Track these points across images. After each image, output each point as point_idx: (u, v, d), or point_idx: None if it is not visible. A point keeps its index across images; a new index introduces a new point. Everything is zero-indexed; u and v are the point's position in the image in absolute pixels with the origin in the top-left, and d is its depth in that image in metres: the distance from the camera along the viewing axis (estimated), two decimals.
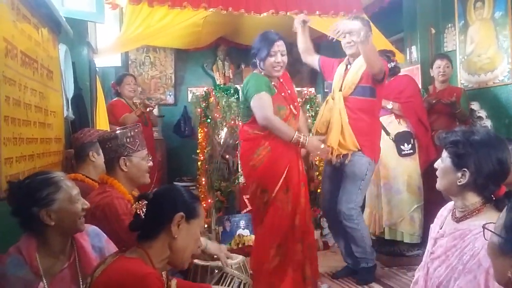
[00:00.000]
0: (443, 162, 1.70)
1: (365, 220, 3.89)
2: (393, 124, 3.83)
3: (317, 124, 3.41)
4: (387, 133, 3.77)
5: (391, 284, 3.12)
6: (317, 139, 2.99)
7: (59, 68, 3.01)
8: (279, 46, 2.93)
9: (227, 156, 4.66)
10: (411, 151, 3.77)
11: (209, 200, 4.30)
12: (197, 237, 1.54)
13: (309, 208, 3.12)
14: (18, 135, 2.11)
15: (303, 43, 3.48)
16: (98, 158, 2.74)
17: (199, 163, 4.34)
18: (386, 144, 3.68)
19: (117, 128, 2.47)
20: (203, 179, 4.30)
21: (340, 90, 3.31)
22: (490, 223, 1.23)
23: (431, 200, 3.62)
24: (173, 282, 1.75)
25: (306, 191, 3.08)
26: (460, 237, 1.62)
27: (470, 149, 1.59)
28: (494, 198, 1.63)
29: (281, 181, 2.92)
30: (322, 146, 2.96)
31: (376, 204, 3.91)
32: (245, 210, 4.28)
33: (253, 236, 3.98)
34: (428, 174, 3.77)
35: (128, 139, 2.32)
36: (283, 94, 3.02)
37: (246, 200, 4.29)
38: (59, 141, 2.89)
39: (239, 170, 4.32)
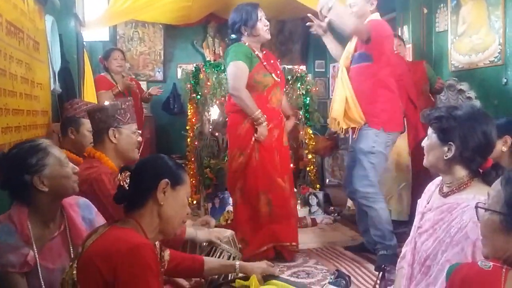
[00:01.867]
0: (429, 138, 1.72)
1: None
2: None
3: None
4: None
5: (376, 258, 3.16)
6: (266, 129, 3.13)
7: (46, 40, 2.94)
8: (260, 11, 3.14)
9: (217, 134, 4.65)
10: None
11: (198, 177, 4.29)
12: (184, 204, 1.53)
13: (285, 178, 3.26)
14: (4, 105, 2.08)
15: (334, 50, 3.39)
16: (77, 136, 2.72)
17: (188, 140, 4.31)
18: None
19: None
20: (192, 156, 4.28)
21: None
22: (479, 203, 1.24)
23: (418, 178, 3.65)
24: (166, 253, 1.75)
25: (285, 163, 3.28)
26: (447, 210, 1.64)
27: (454, 122, 1.62)
28: (481, 172, 1.65)
29: (258, 146, 3.14)
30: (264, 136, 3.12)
31: None
32: None
33: None
34: (416, 152, 3.80)
35: (118, 111, 2.29)
36: (265, 63, 3.14)
37: None
38: (45, 114, 2.85)
39: None
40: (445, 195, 1.69)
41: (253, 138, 3.12)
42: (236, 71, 3.04)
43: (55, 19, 3.09)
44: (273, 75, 3.16)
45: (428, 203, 1.77)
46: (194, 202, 4.35)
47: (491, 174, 1.58)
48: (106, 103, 2.40)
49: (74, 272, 1.31)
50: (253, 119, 3.07)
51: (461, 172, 1.65)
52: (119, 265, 1.25)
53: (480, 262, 1.09)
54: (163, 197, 1.44)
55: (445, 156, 1.64)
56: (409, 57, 4.51)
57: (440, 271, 1.55)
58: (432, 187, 1.82)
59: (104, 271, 1.26)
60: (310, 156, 4.52)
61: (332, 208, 4.53)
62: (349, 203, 4.13)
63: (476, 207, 1.22)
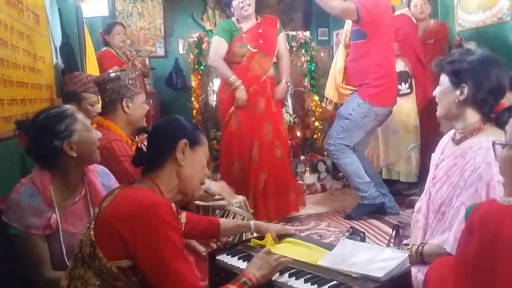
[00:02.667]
0: (441, 85, 1.70)
1: None
2: None
3: None
4: None
5: (390, 220, 3.16)
6: (244, 93, 3.31)
7: (45, 13, 2.90)
8: None
9: None
10: (409, 90, 3.74)
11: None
12: (203, 164, 1.51)
13: (278, 145, 3.43)
14: (8, 77, 2.07)
15: None
16: (79, 110, 2.66)
17: (194, 111, 4.28)
18: None
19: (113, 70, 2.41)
20: (199, 127, 4.25)
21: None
22: (496, 141, 1.22)
23: (428, 139, 3.63)
24: (183, 215, 1.74)
25: (276, 130, 3.43)
26: (460, 155, 1.63)
27: (467, 64, 1.61)
28: (493, 116, 1.63)
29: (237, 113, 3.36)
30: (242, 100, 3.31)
31: (373, 144, 3.91)
32: None
33: None
34: (425, 113, 3.77)
35: (130, 81, 2.31)
36: (244, 35, 3.36)
37: None
38: (49, 88, 2.83)
39: None
40: (458, 142, 1.68)
41: (233, 106, 3.34)
42: (213, 45, 3.40)
43: None
44: (249, 46, 3.36)
45: (441, 154, 1.76)
46: None
47: (504, 115, 1.56)
48: (119, 72, 2.37)
49: (92, 232, 1.30)
50: (230, 84, 3.31)
51: (473, 116, 1.65)
52: (137, 223, 1.24)
53: (500, 198, 1.08)
54: (182, 157, 1.42)
55: (457, 100, 1.63)
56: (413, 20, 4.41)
57: (455, 215, 1.55)
58: (445, 140, 1.82)
59: (122, 230, 1.25)
60: (317, 124, 4.49)
61: (341, 174, 4.52)
62: None
63: (494, 144, 1.20)
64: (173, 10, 6.40)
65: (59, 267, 1.60)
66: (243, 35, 3.38)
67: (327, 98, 3.84)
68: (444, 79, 1.68)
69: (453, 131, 1.78)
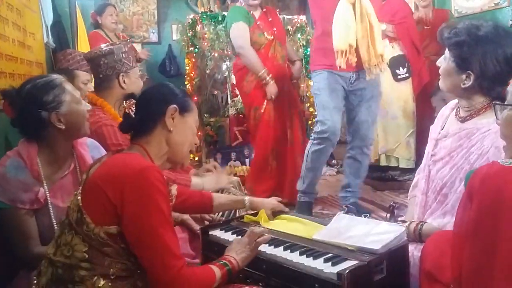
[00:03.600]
0: (446, 61, 1.62)
1: None
2: (386, 49, 3.73)
3: None
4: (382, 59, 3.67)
5: (384, 204, 3.14)
6: (275, 87, 3.22)
7: None
8: None
9: (216, 92, 4.57)
10: (407, 74, 3.71)
11: (199, 133, 4.23)
12: (193, 131, 1.48)
13: (298, 128, 3.42)
14: None
15: None
16: None
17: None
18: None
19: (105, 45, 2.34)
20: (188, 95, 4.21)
21: None
22: (497, 102, 1.18)
23: (423, 124, 3.60)
24: (174, 187, 1.70)
25: (296, 114, 3.43)
26: (466, 136, 1.56)
27: (474, 50, 1.50)
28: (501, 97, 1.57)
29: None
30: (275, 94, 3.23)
31: None
32: (235, 143, 4.24)
33: (244, 167, 4.04)
34: (421, 98, 3.75)
35: (124, 55, 2.24)
36: (258, 23, 3.26)
37: (236, 133, 4.25)
38: (40, 66, 2.77)
39: (229, 102, 4.26)
40: (463, 120, 1.62)
41: (265, 100, 3.26)
42: (238, 32, 3.19)
43: None
44: (265, 33, 3.27)
45: (442, 129, 1.70)
46: (196, 159, 4.30)
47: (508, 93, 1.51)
48: (111, 46, 2.29)
49: (79, 197, 1.26)
50: (259, 78, 3.19)
51: (479, 98, 1.58)
52: (126, 187, 1.21)
53: (501, 160, 1.05)
54: (172, 123, 1.39)
55: (463, 84, 1.55)
56: (411, 5, 4.38)
57: (458, 199, 1.46)
58: (446, 111, 1.74)
59: (110, 194, 1.21)
60: (311, 110, 4.45)
61: (335, 160, 4.50)
62: None
63: (494, 105, 1.16)
64: None
65: (49, 242, 1.55)
66: (258, 22, 3.29)
67: None
68: (449, 58, 1.59)
69: (454, 102, 1.70)
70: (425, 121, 3.55)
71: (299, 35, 4.46)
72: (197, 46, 4.16)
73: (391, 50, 3.74)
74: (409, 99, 3.75)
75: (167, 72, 6.09)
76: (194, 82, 4.15)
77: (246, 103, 3.47)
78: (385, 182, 3.78)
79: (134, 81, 2.26)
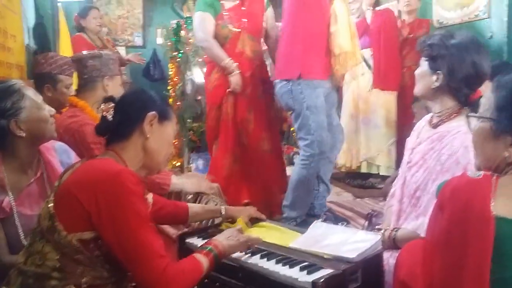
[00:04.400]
0: (421, 66, 1.71)
1: (342, 156, 3.93)
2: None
3: None
4: (368, 67, 3.73)
5: (364, 212, 3.16)
6: (240, 78, 2.96)
7: None
8: None
9: (199, 97, 4.56)
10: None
11: (182, 138, 4.22)
12: (170, 140, 1.48)
13: (266, 136, 3.10)
14: None
15: None
16: (55, 93, 2.51)
17: (170, 100, 4.22)
18: (365, 78, 3.66)
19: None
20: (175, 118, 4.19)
21: None
22: (471, 112, 1.22)
23: (403, 133, 3.65)
24: (149, 196, 1.69)
25: (262, 118, 3.07)
26: (437, 139, 1.63)
27: (444, 51, 1.60)
28: (470, 103, 1.62)
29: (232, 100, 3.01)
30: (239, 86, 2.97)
31: (353, 138, 3.92)
32: None
33: None
34: (401, 108, 3.80)
35: (111, 61, 2.30)
36: (226, 13, 2.99)
37: None
38: (21, 69, 2.73)
39: None
40: (435, 126, 1.68)
41: (227, 91, 2.98)
42: (200, 22, 2.99)
43: None
44: (229, 25, 2.98)
45: (417, 138, 1.76)
46: (178, 164, 4.29)
47: (479, 105, 1.55)
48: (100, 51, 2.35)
49: (50, 205, 1.24)
50: (224, 68, 2.94)
51: (449, 102, 1.65)
52: (101, 192, 1.20)
53: (470, 172, 1.08)
54: (150, 129, 1.38)
55: (433, 85, 1.63)
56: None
57: (430, 200, 1.53)
58: (421, 123, 1.81)
59: (84, 200, 1.20)
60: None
61: None
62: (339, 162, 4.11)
63: (468, 116, 1.20)
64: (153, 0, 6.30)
65: (18, 251, 1.49)
66: (225, 13, 3.00)
67: None
68: (423, 61, 1.68)
69: (429, 115, 1.77)
70: (405, 130, 3.61)
71: None
72: (181, 51, 4.15)
73: None
74: (392, 109, 3.81)
75: (151, 76, 6.07)
76: (177, 87, 4.14)
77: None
78: (365, 190, 3.83)
79: (116, 86, 2.30)
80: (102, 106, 1.39)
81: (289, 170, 4.19)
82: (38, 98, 1.62)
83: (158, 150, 1.42)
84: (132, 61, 4.67)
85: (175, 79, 4.15)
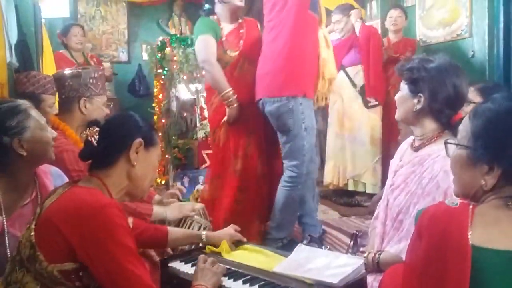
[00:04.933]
0: (401, 90, 1.71)
1: (329, 173, 3.95)
2: (359, 76, 3.84)
3: None
4: (354, 85, 3.76)
5: (350, 231, 3.15)
6: (237, 112, 2.86)
7: (0, 8, 2.77)
8: None
9: (185, 114, 4.54)
10: (377, 102, 3.80)
11: (167, 156, 4.18)
12: (155, 166, 1.47)
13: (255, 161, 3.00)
14: None
15: None
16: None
17: (155, 117, 4.19)
18: (351, 96, 3.69)
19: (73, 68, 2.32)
20: (160, 134, 4.17)
21: None
22: (449, 139, 1.22)
23: (388, 151, 3.68)
24: (129, 220, 1.66)
25: (261, 142, 2.99)
26: (419, 163, 1.63)
27: (424, 73, 1.61)
28: (452, 125, 1.63)
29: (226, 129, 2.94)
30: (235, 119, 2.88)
31: (340, 156, 3.92)
32: (203, 166, 4.20)
33: None
34: (386, 125, 3.83)
35: (91, 80, 2.22)
36: (224, 39, 2.92)
37: (204, 156, 4.22)
38: (1, 87, 2.68)
39: (198, 124, 4.23)
40: (417, 149, 1.68)
41: (222, 120, 2.91)
42: (205, 44, 2.87)
43: None
44: (228, 51, 2.92)
45: (400, 161, 1.76)
46: (163, 182, 4.24)
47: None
48: (81, 69, 2.28)
49: (32, 233, 1.21)
50: (223, 98, 2.84)
51: (431, 125, 1.65)
52: (86, 227, 1.17)
53: (447, 200, 1.08)
54: (136, 157, 1.36)
55: (415, 108, 1.63)
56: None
57: (412, 224, 1.51)
58: (404, 146, 1.82)
59: (67, 234, 1.17)
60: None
61: None
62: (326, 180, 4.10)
63: (445, 143, 1.20)
64: (138, 15, 6.30)
65: (3, 272, 1.48)
66: (224, 38, 2.94)
67: None
68: (403, 85, 1.68)
69: (411, 137, 1.78)
70: (391, 147, 3.64)
71: None
72: (166, 68, 4.13)
73: (362, 79, 3.84)
74: (376, 126, 3.83)
75: (136, 91, 6.04)
76: (162, 105, 4.11)
77: (210, 125, 3.19)
78: (351, 208, 3.82)
79: (96, 108, 2.23)
80: (87, 130, 1.37)
81: None
82: (42, 120, 1.64)
83: (143, 177, 1.40)
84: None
85: (159, 96, 4.12)
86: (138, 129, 1.40)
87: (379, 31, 4.53)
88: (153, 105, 4.21)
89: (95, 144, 1.36)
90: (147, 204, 2.12)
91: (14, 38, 3.02)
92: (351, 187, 3.87)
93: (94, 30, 6.07)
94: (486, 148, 1.04)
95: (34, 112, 1.61)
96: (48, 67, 3.75)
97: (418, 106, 1.62)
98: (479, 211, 1.02)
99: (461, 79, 1.61)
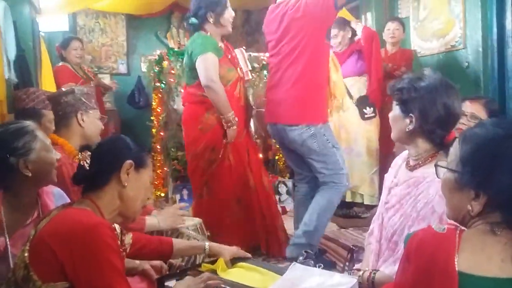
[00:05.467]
0: (393, 110, 1.70)
1: None
2: (355, 88, 3.86)
3: None
4: (350, 96, 3.79)
5: (348, 243, 3.16)
6: (235, 132, 2.96)
7: None
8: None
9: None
10: (373, 114, 3.82)
11: (165, 168, 4.20)
12: (147, 187, 1.49)
13: (260, 174, 3.16)
14: None
15: None
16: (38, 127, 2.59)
17: (153, 130, 4.21)
18: (348, 108, 3.71)
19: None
20: (158, 147, 4.19)
21: None
22: (442, 161, 1.23)
23: (386, 162, 3.68)
24: (128, 237, 1.68)
25: (254, 157, 3.17)
26: (414, 184, 1.63)
27: (414, 94, 1.60)
28: (445, 145, 1.63)
29: (231, 147, 3.02)
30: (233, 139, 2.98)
31: None
32: None
33: None
34: (383, 136, 3.84)
35: (85, 95, 2.29)
36: (229, 56, 3.03)
37: None
38: (1, 104, 2.72)
39: None
40: (412, 169, 1.68)
41: (223, 141, 2.97)
42: (208, 64, 2.85)
43: (8, 5, 2.96)
44: (237, 69, 3.05)
45: (395, 178, 1.76)
46: (162, 195, 4.26)
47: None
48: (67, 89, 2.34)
49: (26, 254, 1.23)
50: (224, 119, 2.88)
51: (425, 145, 1.64)
52: (76, 246, 1.20)
53: (435, 226, 1.08)
54: (127, 178, 1.39)
55: (407, 129, 1.63)
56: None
57: None
58: (399, 161, 1.81)
59: (59, 253, 1.20)
60: (278, 145, 4.49)
61: None
62: None
63: (436, 165, 1.21)
64: (137, 28, 6.35)
65: None
66: (228, 56, 3.00)
67: None
68: (395, 105, 1.68)
69: (406, 152, 1.77)
70: (388, 159, 3.65)
71: (265, 72, 4.53)
72: (164, 82, 4.17)
73: (360, 89, 3.87)
74: (373, 138, 3.84)
75: (136, 103, 6.08)
76: (160, 118, 4.14)
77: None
78: (349, 219, 3.82)
79: (92, 120, 2.29)
80: (79, 155, 1.40)
81: None
82: (47, 141, 1.68)
83: (134, 197, 1.43)
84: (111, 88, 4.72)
85: (158, 109, 4.15)
86: (128, 151, 1.44)
87: None
88: (152, 118, 4.23)
89: (87, 167, 1.39)
90: (140, 217, 2.13)
91: (12, 54, 3.06)
92: (348, 199, 3.88)
93: (94, 43, 6.12)
94: (472, 174, 1.05)
95: (40, 134, 1.65)
96: (47, 81, 3.79)
97: (410, 127, 1.61)
98: (466, 236, 1.03)
99: (452, 98, 1.59)
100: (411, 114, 1.61)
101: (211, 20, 2.92)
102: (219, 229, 2.89)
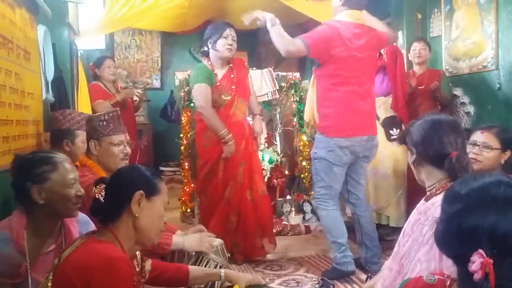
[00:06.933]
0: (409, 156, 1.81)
1: None
2: (382, 109, 3.84)
3: None
4: (377, 117, 3.77)
5: (373, 267, 3.14)
6: (233, 147, 3.34)
7: (38, 49, 2.96)
8: (231, 31, 3.36)
9: None
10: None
11: (192, 185, 4.28)
12: (161, 214, 1.52)
13: (252, 187, 3.44)
14: None
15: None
16: (72, 147, 2.68)
17: (182, 147, 4.32)
18: None
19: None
20: (186, 164, 4.29)
21: None
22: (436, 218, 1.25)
23: (413, 185, 3.63)
24: (147, 263, 1.74)
25: (250, 169, 3.44)
26: (424, 211, 1.69)
27: (411, 135, 1.73)
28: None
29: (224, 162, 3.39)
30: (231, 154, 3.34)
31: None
32: None
33: None
34: None
35: (100, 123, 2.36)
36: (218, 84, 3.37)
37: None
38: (37, 124, 2.84)
39: None
40: (427, 199, 1.74)
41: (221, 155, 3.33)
42: (200, 92, 3.32)
43: (48, 28, 3.11)
44: (223, 95, 3.35)
45: (417, 210, 1.80)
46: (188, 210, 4.34)
47: (450, 163, 1.62)
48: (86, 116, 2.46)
49: (49, 284, 1.31)
50: (219, 137, 3.29)
51: (435, 173, 1.69)
52: (94, 278, 1.26)
53: (426, 276, 1.11)
54: (138, 208, 1.44)
55: (412, 162, 1.73)
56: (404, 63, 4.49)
57: (412, 270, 1.58)
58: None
59: (78, 284, 1.26)
60: (304, 163, 4.51)
61: None
62: (347, 210, 4.10)
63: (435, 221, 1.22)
64: (171, 44, 6.54)
65: None
66: (217, 83, 3.39)
67: (307, 122, 4.18)
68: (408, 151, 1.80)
69: None
70: (415, 182, 3.59)
71: (292, 91, 4.56)
72: (193, 101, 4.26)
73: (386, 110, 3.87)
74: (400, 159, 3.80)
75: (168, 117, 6.25)
76: (189, 135, 4.24)
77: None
78: None
79: (104, 148, 2.39)
80: (94, 189, 1.47)
81: (298, 218, 4.22)
82: (70, 176, 1.69)
83: (149, 226, 1.48)
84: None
85: (187, 127, 4.25)
86: (139, 180, 1.48)
87: (406, 61, 4.53)
88: (181, 135, 4.33)
89: (102, 200, 1.46)
90: (167, 233, 2.21)
91: (51, 75, 3.22)
92: (374, 220, 3.83)
93: (130, 58, 6.34)
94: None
95: (64, 168, 1.68)
96: (83, 99, 3.94)
97: (412, 157, 1.72)
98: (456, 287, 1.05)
99: (445, 134, 1.66)
100: (411, 147, 1.72)
101: (210, 46, 3.40)
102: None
